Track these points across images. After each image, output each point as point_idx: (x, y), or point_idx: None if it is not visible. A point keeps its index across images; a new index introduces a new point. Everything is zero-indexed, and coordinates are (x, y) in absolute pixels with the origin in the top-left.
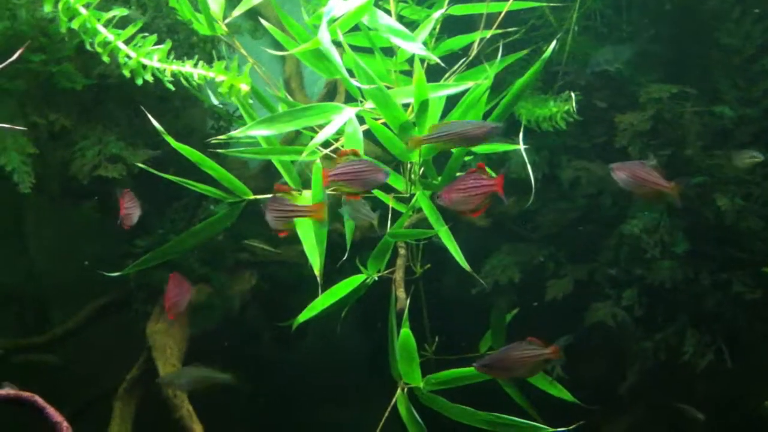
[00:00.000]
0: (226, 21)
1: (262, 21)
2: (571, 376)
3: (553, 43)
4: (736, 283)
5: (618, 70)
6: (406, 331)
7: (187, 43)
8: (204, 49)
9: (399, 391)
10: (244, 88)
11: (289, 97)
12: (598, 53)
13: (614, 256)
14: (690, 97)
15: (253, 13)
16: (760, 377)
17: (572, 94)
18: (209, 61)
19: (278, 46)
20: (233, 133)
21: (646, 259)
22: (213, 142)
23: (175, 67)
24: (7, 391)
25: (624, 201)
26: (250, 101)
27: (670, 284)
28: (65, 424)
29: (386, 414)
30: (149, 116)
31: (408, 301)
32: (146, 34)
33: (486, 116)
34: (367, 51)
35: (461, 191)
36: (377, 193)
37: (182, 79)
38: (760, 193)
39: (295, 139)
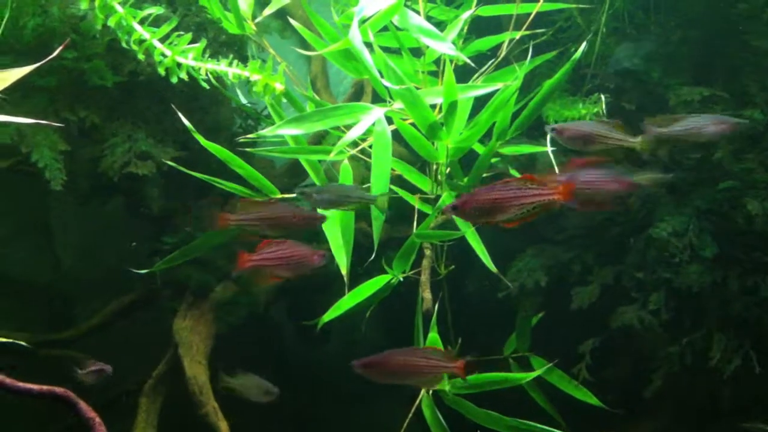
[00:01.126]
0: (256, 20)
1: (291, 21)
2: (597, 379)
3: (583, 44)
4: (764, 287)
5: (645, 71)
6: (434, 335)
7: (216, 42)
8: (233, 48)
9: (423, 392)
10: (279, 87)
11: (316, 97)
12: (618, 50)
13: (641, 259)
14: (720, 100)
15: (281, 13)
16: None
17: (602, 96)
18: (239, 60)
19: (305, 45)
20: (262, 131)
21: (674, 263)
22: (242, 140)
23: (210, 65)
24: (40, 386)
25: (651, 204)
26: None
27: (697, 288)
28: (98, 419)
29: (410, 415)
30: (179, 114)
31: (436, 304)
32: (181, 32)
33: (514, 118)
34: (394, 51)
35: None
36: (402, 193)
37: (212, 78)
38: None
39: (322, 139)
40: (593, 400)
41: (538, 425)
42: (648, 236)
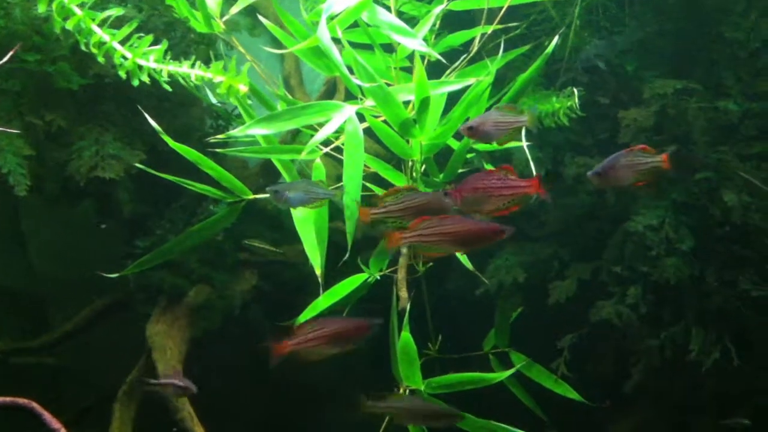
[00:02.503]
0: (224, 18)
1: (261, 18)
2: (579, 374)
3: (555, 38)
4: (742, 280)
5: (619, 64)
6: (406, 334)
7: (185, 42)
8: (201, 47)
9: (401, 392)
10: (243, 88)
11: (288, 95)
12: (588, 48)
13: (619, 253)
14: (694, 92)
15: (251, 11)
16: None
17: (575, 90)
18: (207, 60)
19: (277, 43)
20: (232, 132)
21: (651, 257)
22: (212, 141)
23: (172, 67)
24: (3, 398)
25: (628, 198)
26: (249, 101)
27: (675, 282)
28: (63, 430)
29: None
30: (146, 116)
31: (409, 302)
32: (142, 34)
33: None
34: (366, 48)
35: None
36: (378, 190)
37: (180, 79)
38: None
39: (294, 138)
40: (573, 395)
41: (507, 427)
42: (625, 230)
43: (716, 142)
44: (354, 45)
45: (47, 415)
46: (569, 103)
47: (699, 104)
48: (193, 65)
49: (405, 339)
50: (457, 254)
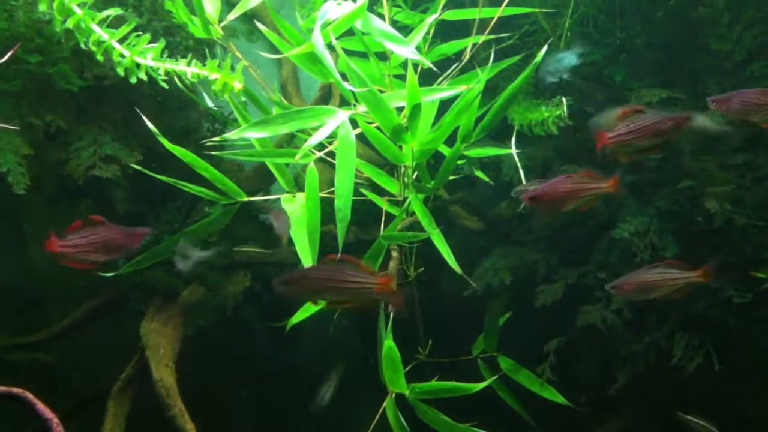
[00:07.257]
0: (222, 24)
1: (258, 24)
2: (566, 378)
3: (545, 48)
4: (725, 287)
5: (608, 74)
6: (389, 342)
7: (183, 46)
8: (200, 52)
9: (388, 396)
10: (237, 86)
11: (284, 101)
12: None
13: (605, 259)
14: (680, 101)
15: (249, 17)
16: (749, 380)
17: (563, 99)
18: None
19: (274, 50)
20: (227, 134)
21: (636, 263)
22: (208, 144)
23: (169, 65)
24: None
25: (615, 206)
26: (244, 101)
27: None
28: (56, 420)
29: (377, 417)
30: (143, 117)
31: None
32: (140, 33)
33: (478, 120)
34: (362, 55)
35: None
36: (370, 195)
37: (177, 80)
38: (749, 197)
39: (289, 142)
40: (559, 399)
41: None
42: (610, 236)
43: (700, 151)
44: (349, 53)
45: (40, 405)
46: (558, 112)
47: None
48: (189, 63)
49: (388, 346)
50: (446, 257)
